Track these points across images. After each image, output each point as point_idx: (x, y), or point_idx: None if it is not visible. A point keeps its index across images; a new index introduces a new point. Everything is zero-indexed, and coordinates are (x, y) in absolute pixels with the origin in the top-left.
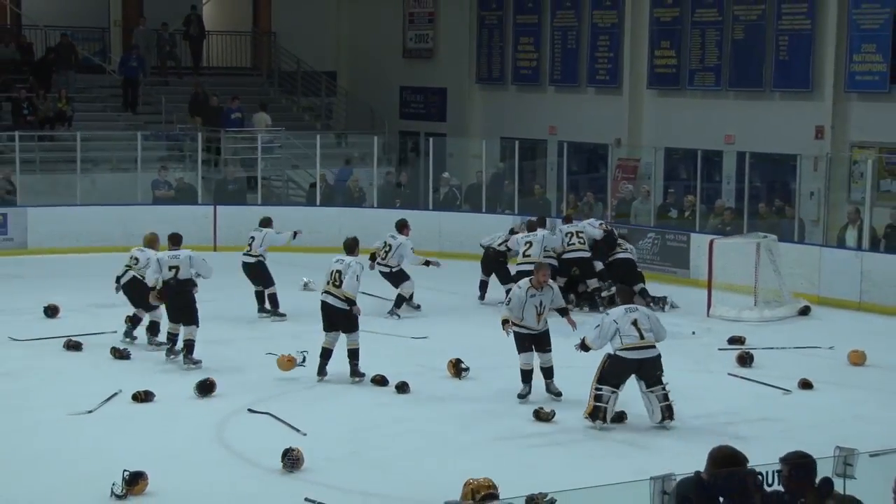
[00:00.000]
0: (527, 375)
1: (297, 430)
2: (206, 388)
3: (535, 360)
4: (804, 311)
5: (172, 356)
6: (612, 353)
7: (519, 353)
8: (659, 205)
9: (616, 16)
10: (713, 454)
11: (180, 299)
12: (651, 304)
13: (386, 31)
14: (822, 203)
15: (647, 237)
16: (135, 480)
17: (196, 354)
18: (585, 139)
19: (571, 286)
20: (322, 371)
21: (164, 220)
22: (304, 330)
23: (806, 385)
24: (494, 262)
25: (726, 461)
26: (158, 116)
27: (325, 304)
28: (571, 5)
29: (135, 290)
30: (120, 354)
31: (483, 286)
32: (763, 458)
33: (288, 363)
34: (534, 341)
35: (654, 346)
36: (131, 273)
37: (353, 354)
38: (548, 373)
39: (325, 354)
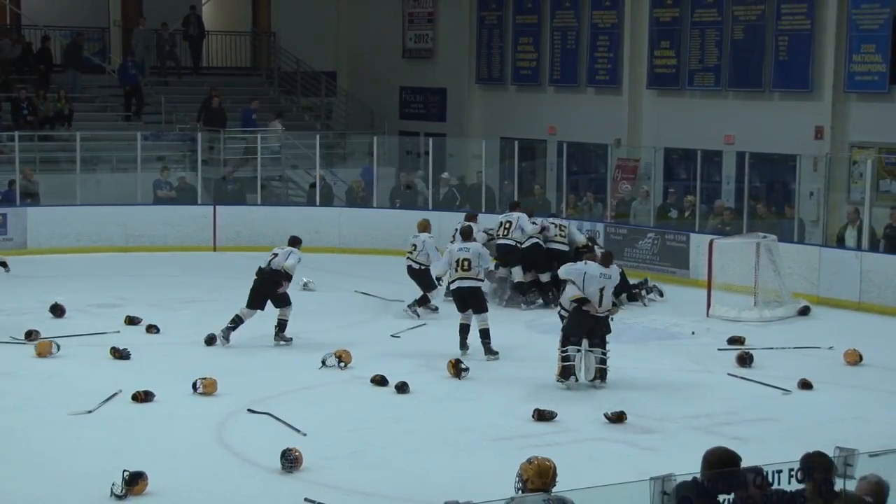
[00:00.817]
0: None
1: (297, 430)
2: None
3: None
4: (804, 312)
5: (226, 343)
6: (570, 309)
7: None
8: (658, 205)
9: (615, 16)
10: (707, 456)
11: (270, 287)
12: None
13: (385, 32)
14: (821, 203)
15: (647, 237)
16: (134, 480)
17: (194, 354)
18: (585, 139)
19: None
20: (464, 345)
21: (164, 220)
22: (304, 329)
23: (805, 385)
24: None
25: (721, 462)
26: (158, 117)
27: (458, 290)
28: (571, 5)
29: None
30: (120, 354)
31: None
32: (763, 458)
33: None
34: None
35: (607, 313)
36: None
37: (485, 334)
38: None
39: (464, 330)
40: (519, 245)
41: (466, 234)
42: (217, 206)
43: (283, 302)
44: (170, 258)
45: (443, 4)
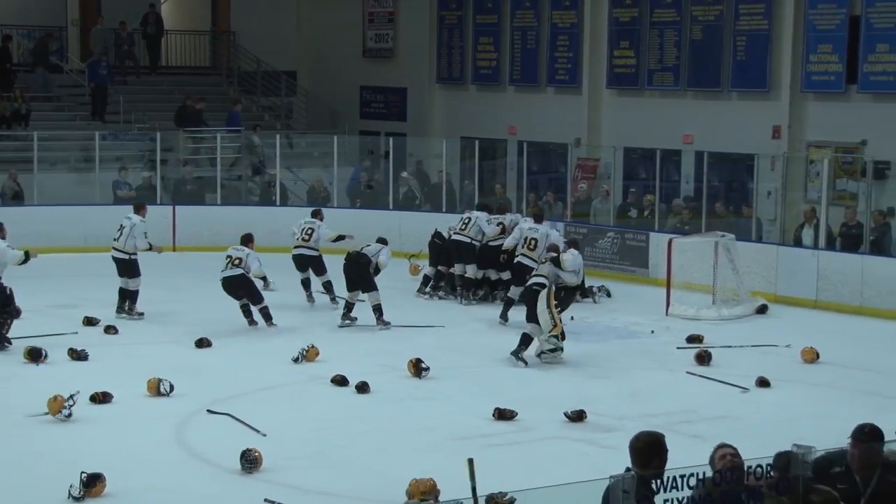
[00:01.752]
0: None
1: (257, 431)
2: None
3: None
4: (761, 310)
5: (348, 322)
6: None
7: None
8: (618, 204)
9: (575, 16)
10: (632, 445)
11: (357, 269)
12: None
13: (346, 31)
14: (778, 202)
15: (607, 237)
16: (92, 482)
17: (153, 355)
18: (545, 139)
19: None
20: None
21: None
22: (264, 330)
23: (763, 383)
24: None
25: (647, 448)
26: (117, 116)
27: (520, 264)
28: (531, 5)
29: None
30: (78, 355)
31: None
32: None
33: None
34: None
35: None
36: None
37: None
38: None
39: (509, 302)
40: (474, 242)
41: (538, 217)
42: (176, 206)
43: (370, 286)
44: None
45: (403, 4)
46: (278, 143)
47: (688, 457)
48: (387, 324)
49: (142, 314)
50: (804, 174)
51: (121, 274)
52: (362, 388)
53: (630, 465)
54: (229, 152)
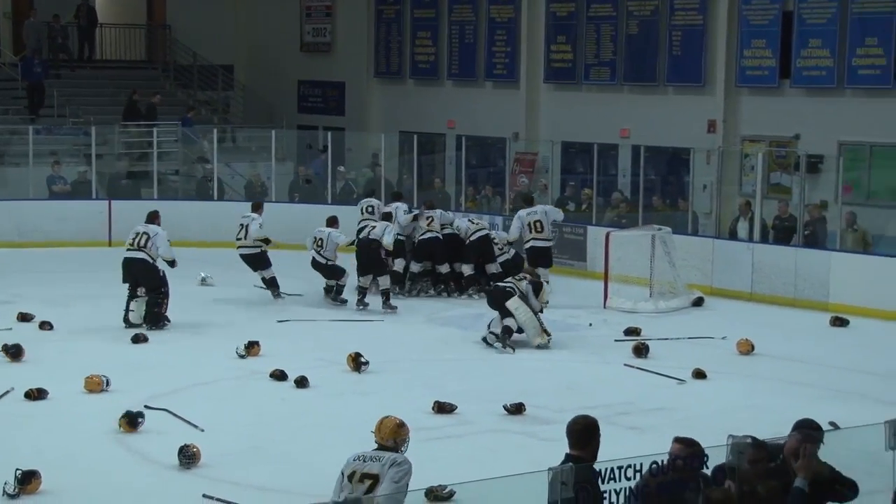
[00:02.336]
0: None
1: (195, 426)
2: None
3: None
4: (697, 302)
5: (362, 307)
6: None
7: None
8: (556, 198)
9: (512, 10)
10: (570, 428)
11: (369, 254)
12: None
13: (283, 25)
14: (714, 196)
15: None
16: (28, 479)
17: (88, 350)
18: (483, 133)
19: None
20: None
21: (58, 215)
22: (202, 324)
23: (699, 375)
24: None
25: (585, 430)
26: (51, 110)
27: (534, 248)
28: (468, 0)
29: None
30: (12, 352)
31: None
32: (659, 447)
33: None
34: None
35: None
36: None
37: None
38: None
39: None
40: (402, 237)
41: (530, 201)
42: (112, 201)
43: (382, 270)
44: (64, 253)
45: None
46: (215, 137)
47: (625, 448)
48: (393, 308)
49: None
50: (739, 168)
51: (255, 269)
52: (301, 382)
53: (568, 450)
54: (166, 147)
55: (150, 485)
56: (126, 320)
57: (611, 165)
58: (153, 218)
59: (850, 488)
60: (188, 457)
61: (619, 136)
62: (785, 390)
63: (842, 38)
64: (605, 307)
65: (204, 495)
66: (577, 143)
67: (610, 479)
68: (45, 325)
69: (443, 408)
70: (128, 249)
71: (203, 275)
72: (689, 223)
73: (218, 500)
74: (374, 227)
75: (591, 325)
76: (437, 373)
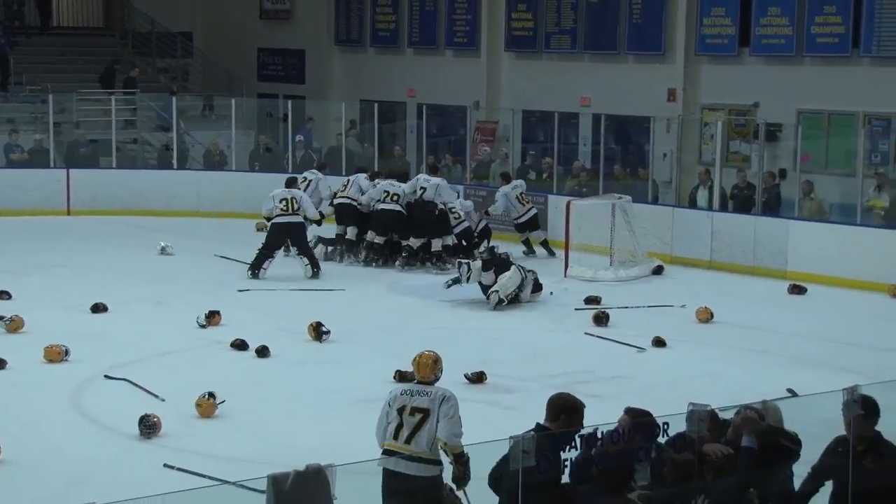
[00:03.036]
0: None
1: (156, 396)
2: None
3: None
4: (657, 271)
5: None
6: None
7: None
8: (517, 167)
9: None
10: (549, 400)
11: (422, 216)
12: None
13: None
14: (674, 164)
15: None
16: None
17: (47, 320)
18: (444, 102)
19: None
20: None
21: (15, 184)
22: (163, 294)
23: (659, 343)
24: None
25: (567, 407)
26: (7, 77)
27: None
28: None
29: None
30: None
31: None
32: (618, 415)
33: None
34: None
35: None
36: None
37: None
38: None
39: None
40: (356, 204)
41: (507, 177)
42: (71, 170)
43: (438, 232)
44: (22, 223)
45: None
46: (174, 105)
47: (586, 416)
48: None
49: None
50: (699, 136)
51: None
52: (262, 352)
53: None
54: (124, 115)
55: (111, 455)
56: (255, 274)
57: (571, 134)
58: (291, 183)
59: (795, 441)
60: (149, 426)
61: (580, 105)
62: (743, 358)
63: (800, 6)
64: (565, 276)
65: (165, 465)
66: (537, 111)
67: (570, 447)
68: (4, 295)
69: (404, 377)
70: (279, 215)
71: (162, 244)
72: (650, 192)
73: (179, 469)
74: (424, 189)
75: (551, 293)
76: (399, 342)
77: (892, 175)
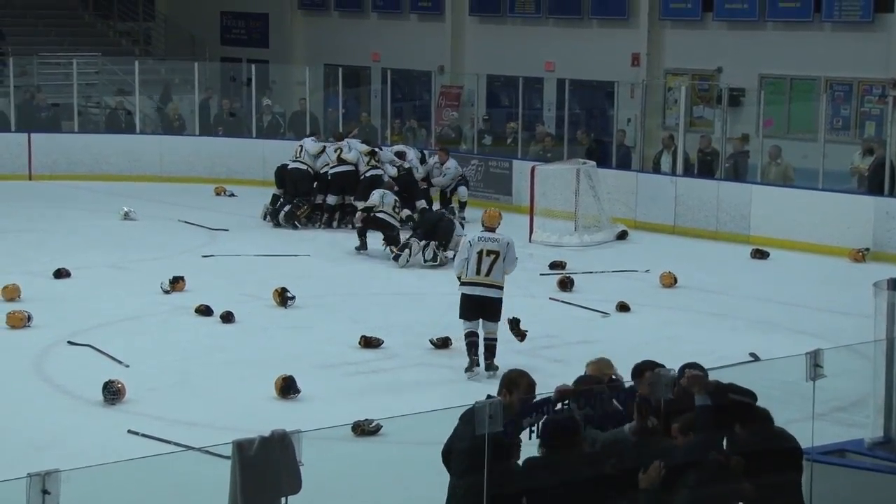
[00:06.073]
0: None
1: (119, 362)
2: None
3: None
4: (622, 236)
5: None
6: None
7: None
8: (478, 131)
9: None
10: (503, 375)
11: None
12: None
13: None
14: (638, 129)
15: (471, 164)
16: None
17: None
18: (409, 66)
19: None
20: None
21: None
22: (126, 259)
23: (623, 308)
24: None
25: (515, 380)
26: None
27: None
28: None
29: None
30: None
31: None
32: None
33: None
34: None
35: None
36: None
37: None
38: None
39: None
40: (310, 169)
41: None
42: (32, 134)
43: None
44: None
45: None
46: (136, 69)
47: (551, 381)
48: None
49: None
50: (662, 101)
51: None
52: (227, 317)
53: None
54: (85, 79)
55: (75, 421)
56: (275, 219)
57: (536, 99)
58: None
59: (748, 394)
60: (113, 392)
61: (545, 70)
62: (706, 322)
63: None
64: (530, 241)
65: (129, 431)
66: (502, 76)
67: (533, 411)
68: None
69: (369, 342)
70: (293, 160)
71: (125, 209)
72: (614, 157)
73: (144, 435)
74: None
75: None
76: (363, 307)
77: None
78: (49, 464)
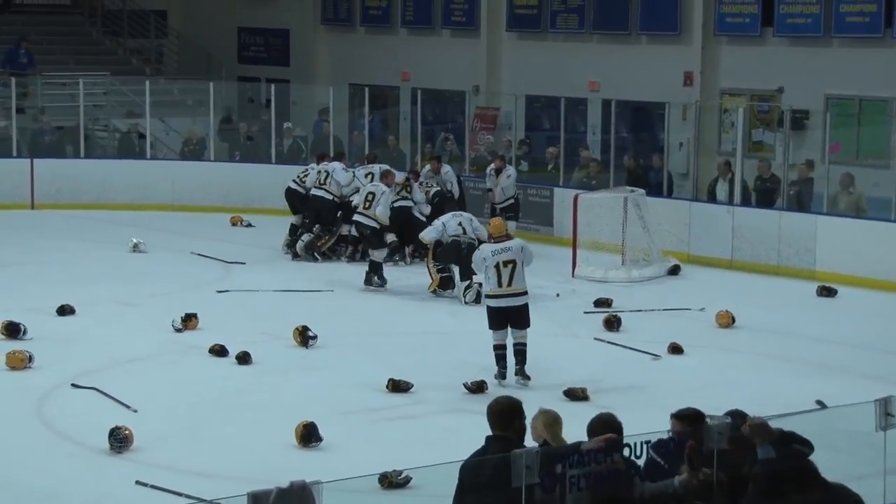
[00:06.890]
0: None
1: (127, 406)
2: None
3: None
4: (674, 271)
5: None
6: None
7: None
8: (518, 157)
9: None
10: (491, 408)
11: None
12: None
13: None
14: (691, 154)
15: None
16: None
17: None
18: (441, 86)
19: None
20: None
21: None
22: (135, 294)
23: (676, 349)
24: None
25: (510, 410)
26: None
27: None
28: None
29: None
30: None
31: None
32: (630, 427)
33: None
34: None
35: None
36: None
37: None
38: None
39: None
40: (335, 198)
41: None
42: (35, 160)
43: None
44: None
45: None
46: (147, 89)
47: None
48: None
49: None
50: (718, 124)
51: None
52: (243, 358)
53: (491, 432)
54: (92, 100)
55: (79, 470)
56: (293, 249)
57: (579, 121)
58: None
59: (806, 444)
60: (120, 440)
61: (588, 90)
62: (766, 365)
63: None
64: (573, 276)
65: (137, 482)
66: (542, 96)
67: (578, 464)
68: None
69: (398, 386)
70: (317, 187)
71: (135, 240)
72: (665, 184)
73: (152, 486)
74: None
75: (558, 295)
76: (392, 347)
77: None
78: None
